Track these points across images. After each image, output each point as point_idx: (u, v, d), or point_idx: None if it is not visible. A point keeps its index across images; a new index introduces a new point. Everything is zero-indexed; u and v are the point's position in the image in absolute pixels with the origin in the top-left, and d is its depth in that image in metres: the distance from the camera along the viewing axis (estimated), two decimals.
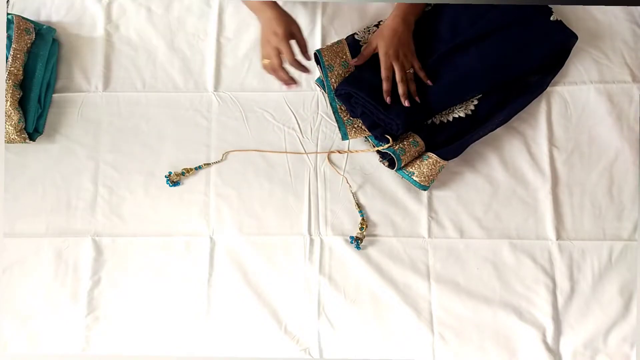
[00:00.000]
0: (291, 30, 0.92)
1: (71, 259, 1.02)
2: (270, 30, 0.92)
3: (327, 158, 1.04)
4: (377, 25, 1.07)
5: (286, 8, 1.11)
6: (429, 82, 0.99)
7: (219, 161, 1.05)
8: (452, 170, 1.02)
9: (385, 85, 0.97)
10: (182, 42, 1.12)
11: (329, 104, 1.03)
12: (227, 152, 1.05)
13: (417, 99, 0.98)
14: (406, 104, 0.96)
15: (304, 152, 1.05)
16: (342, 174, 1.03)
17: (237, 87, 1.09)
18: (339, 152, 1.04)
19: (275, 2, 0.95)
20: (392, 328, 0.97)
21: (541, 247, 0.99)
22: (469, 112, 1.01)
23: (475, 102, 1.01)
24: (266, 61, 0.94)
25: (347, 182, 1.03)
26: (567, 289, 0.97)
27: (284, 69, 0.93)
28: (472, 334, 0.96)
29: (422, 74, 0.99)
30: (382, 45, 0.97)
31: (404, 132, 0.98)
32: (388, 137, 0.97)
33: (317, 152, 1.05)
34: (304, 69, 0.93)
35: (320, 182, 1.03)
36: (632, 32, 1.08)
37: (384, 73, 0.97)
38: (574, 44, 1.05)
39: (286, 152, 1.05)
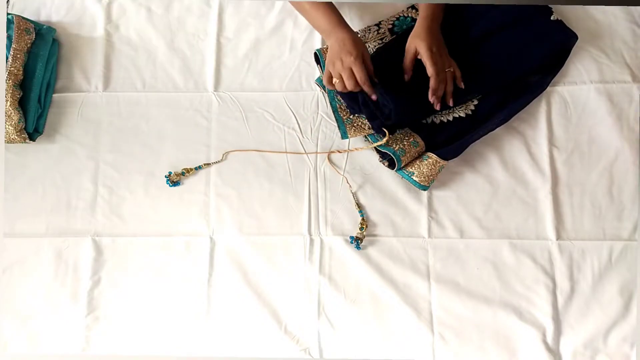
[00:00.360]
0: (363, 53, 0.93)
1: (71, 259, 1.02)
2: (344, 51, 0.92)
3: (327, 158, 1.04)
4: (377, 25, 1.07)
5: (286, 7, 1.11)
6: (462, 84, 0.98)
7: (219, 161, 1.05)
8: (452, 170, 1.02)
9: (433, 83, 0.94)
10: (182, 42, 1.12)
11: (328, 104, 1.03)
12: (227, 152, 1.05)
13: (450, 101, 0.97)
14: (438, 107, 0.96)
15: (304, 152, 1.05)
16: (342, 174, 1.03)
17: (237, 87, 1.09)
18: (339, 151, 1.04)
19: (347, 24, 0.96)
20: (392, 328, 0.97)
21: (541, 247, 0.99)
22: (469, 112, 1.01)
23: (475, 102, 1.02)
24: (336, 80, 0.94)
25: (347, 182, 1.03)
26: (567, 289, 0.97)
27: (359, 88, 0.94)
28: (472, 334, 0.96)
29: (458, 74, 0.98)
30: (423, 45, 0.94)
31: (396, 121, 0.97)
32: (385, 130, 0.96)
33: (317, 152, 1.05)
34: (373, 91, 0.94)
35: (320, 182, 1.03)
36: (632, 32, 1.08)
37: (432, 69, 0.93)
38: (574, 43, 1.05)
39: (286, 152, 1.05)
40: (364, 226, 1.00)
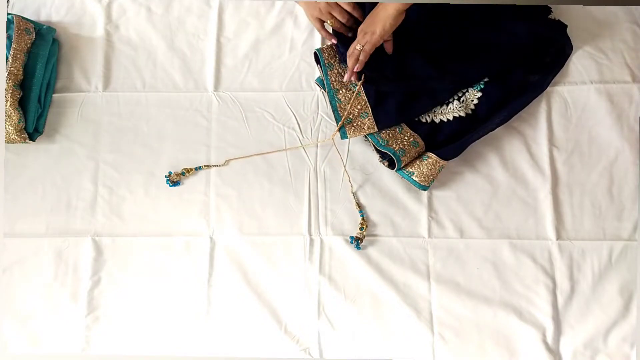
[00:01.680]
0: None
1: (71, 259, 1.02)
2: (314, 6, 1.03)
3: (332, 139, 1.02)
4: None
5: (286, 7, 1.11)
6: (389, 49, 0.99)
7: (219, 165, 1.05)
8: (452, 170, 1.02)
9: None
10: (182, 42, 1.12)
11: (328, 103, 1.03)
12: (229, 160, 1.04)
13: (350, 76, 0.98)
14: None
15: (300, 144, 1.04)
16: (344, 163, 1.03)
17: (237, 87, 1.09)
18: (338, 132, 1.03)
19: None
20: (392, 328, 0.97)
21: (541, 247, 0.99)
22: (469, 112, 1.01)
23: (475, 102, 1.02)
24: (330, 21, 1.02)
25: (349, 177, 1.02)
26: (567, 289, 0.97)
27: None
28: (472, 334, 0.96)
29: (367, 48, 0.95)
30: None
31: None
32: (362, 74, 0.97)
33: (317, 142, 1.04)
34: (360, 13, 1.02)
35: (320, 182, 1.03)
36: (632, 32, 1.08)
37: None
38: (570, 52, 1.05)
39: (285, 149, 1.04)
40: (364, 226, 1.00)
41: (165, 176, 1.04)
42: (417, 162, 0.98)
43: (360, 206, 1.02)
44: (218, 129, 1.07)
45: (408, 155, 0.97)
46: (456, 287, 0.98)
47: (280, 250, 1.01)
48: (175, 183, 1.04)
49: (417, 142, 0.98)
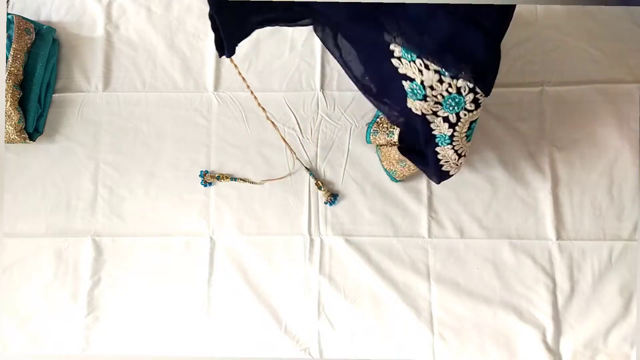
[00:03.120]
0: None
1: (71, 259, 1.02)
2: None
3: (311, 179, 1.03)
4: None
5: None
6: None
7: (255, 182, 1.04)
8: None
9: None
10: (182, 42, 1.11)
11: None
12: (265, 180, 1.04)
13: None
14: None
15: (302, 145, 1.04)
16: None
17: (237, 87, 1.09)
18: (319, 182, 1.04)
19: None
20: (392, 328, 0.97)
21: (541, 247, 0.99)
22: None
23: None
24: None
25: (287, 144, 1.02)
26: (567, 289, 0.97)
27: None
28: (472, 334, 0.96)
29: None
30: None
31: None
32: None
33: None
34: None
35: (321, 182, 1.03)
36: (632, 32, 1.08)
37: None
38: None
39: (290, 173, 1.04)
40: (321, 186, 1.00)
41: (200, 175, 1.04)
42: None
43: (310, 170, 1.02)
44: (218, 129, 1.07)
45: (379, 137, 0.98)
46: (456, 287, 0.98)
47: (280, 250, 1.01)
48: (208, 184, 1.04)
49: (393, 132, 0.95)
